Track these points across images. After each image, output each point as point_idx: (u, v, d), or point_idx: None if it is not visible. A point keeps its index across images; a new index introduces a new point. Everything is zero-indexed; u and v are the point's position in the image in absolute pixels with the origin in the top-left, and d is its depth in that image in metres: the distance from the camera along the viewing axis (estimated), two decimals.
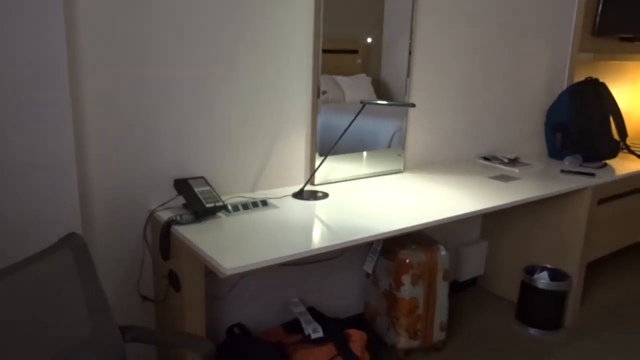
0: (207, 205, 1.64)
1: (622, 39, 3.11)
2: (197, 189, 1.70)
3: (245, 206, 1.76)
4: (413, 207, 1.86)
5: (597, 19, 2.87)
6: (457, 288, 2.83)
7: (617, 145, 2.74)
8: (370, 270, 2.26)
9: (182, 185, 1.71)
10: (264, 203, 1.80)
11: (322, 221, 1.69)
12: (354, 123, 2.13)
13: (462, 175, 2.35)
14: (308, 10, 1.95)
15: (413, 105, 1.89)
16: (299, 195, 1.93)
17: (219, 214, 1.71)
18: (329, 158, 2.11)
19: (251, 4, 1.81)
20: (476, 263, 2.81)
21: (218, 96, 1.81)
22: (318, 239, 1.53)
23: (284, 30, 1.91)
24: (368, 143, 2.26)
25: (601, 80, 3.05)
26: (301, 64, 1.99)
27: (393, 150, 2.33)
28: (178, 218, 1.62)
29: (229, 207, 1.73)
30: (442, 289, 2.20)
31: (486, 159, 2.64)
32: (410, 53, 2.27)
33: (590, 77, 2.78)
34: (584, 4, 2.84)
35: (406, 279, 2.11)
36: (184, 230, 1.56)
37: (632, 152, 2.84)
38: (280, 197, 1.91)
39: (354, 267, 2.36)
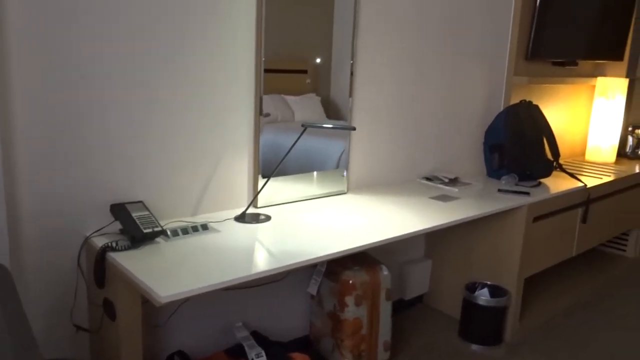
0: (145, 231, 1.60)
1: (554, 63, 3.27)
2: (134, 214, 1.66)
3: (185, 231, 1.73)
4: (356, 228, 1.88)
5: (530, 45, 3.01)
6: (403, 306, 2.87)
7: (551, 165, 2.86)
8: (314, 292, 2.26)
9: (119, 210, 1.67)
10: (205, 227, 1.78)
11: (263, 244, 1.68)
12: (303, 143, 2.14)
13: (404, 195, 2.40)
14: (249, 30, 1.96)
15: (353, 129, 1.92)
16: (241, 218, 1.92)
17: (158, 239, 1.67)
18: (274, 179, 2.11)
19: (191, 23, 1.80)
20: (421, 281, 2.86)
21: (157, 118, 1.79)
22: (259, 263, 1.52)
23: (224, 51, 1.91)
24: (317, 163, 2.28)
25: (535, 102, 3.19)
26: (243, 85, 1.99)
27: (339, 171, 2.35)
28: (113, 244, 1.58)
29: (168, 232, 1.70)
30: (385, 309, 2.22)
31: (428, 179, 2.71)
32: (352, 74, 2.31)
33: (524, 100, 2.91)
34: (517, 30, 2.98)
35: (350, 300, 2.12)
36: (120, 257, 1.52)
37: (565, 171, 2.97)
38: (222, 221, 1.89)
39: (298, 289, 2.36)
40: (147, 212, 1.68)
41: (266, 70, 2.02)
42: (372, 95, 2.44)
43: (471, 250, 2.69)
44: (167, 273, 1.43)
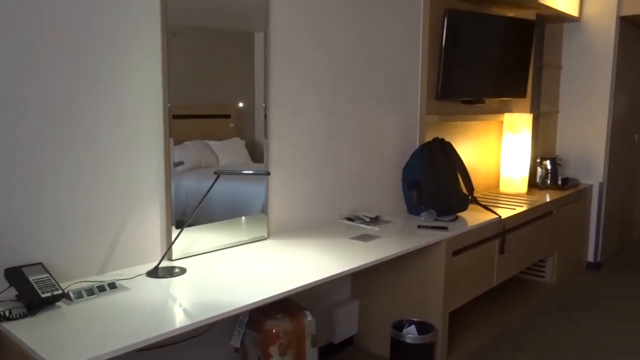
0: (43, 296, 1.49)
1: (463, 102, 3.43)
2: (32, 278, 1.54)
3: (90, 291, 1.62)
4: (277, 275, 1.84)
5: (439, 85, 3.15)
6: (333, 350, 2.81)
7: (467, 199, 2.96)
8: (237, 345, 2.17)
9: (15, 275, 1.54)
10: (112, 286, 1.68)
11: (177, 299, 1.60)
12: (226, 188, 2.11)
13: (325, 237, 2.39)
14: (155, 77, 1.92)
15: (267, 174, 1.90)
16: (154, 273, 1.83)
17: (59, 303, 1.55)
18: (192, 229, 2.04)
19: (96, 70, 1.74)
20: (349, 322, 2.83)
21: (58, 174, 1.69)
22: (171, 319, 1.44)
23: (129, 98, 1.85)
24: (243, 208, 2.25)
25: (448, 139, 3.32)
26: (150, 135, 1.93)
27: (259, 217, 2.32)
28: (7, 313, 1.45)
29: (71, 295, 1.58)
30: (311, 356, 2.16)
31: (349, 219, 2.72)
32: (265, 117, 2.31)
33: (437, 137, 3.02)
34: (426, 72, 3.12)
35: (274, 350, 2.06)
36: (15, 327, 1.40)
37: (480, 204, 3.08)
38: (132, 278, 1.80)
39: (221, 342, 2.26)
40: (46, 275, 1.56)
41: (187, 117, 1.99)
42: (288, 138, 2.44)
43: (397, 287, 2.70)
44: (69, 341, 1.32)
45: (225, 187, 2.18)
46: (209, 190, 1.94)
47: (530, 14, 3.78)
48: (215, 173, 1.90)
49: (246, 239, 2.27)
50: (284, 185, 2.45)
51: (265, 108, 2.30)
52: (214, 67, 2.09)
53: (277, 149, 2.39)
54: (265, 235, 2.35)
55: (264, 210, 2.33)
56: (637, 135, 5.05)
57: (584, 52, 4.28)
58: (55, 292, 1.51)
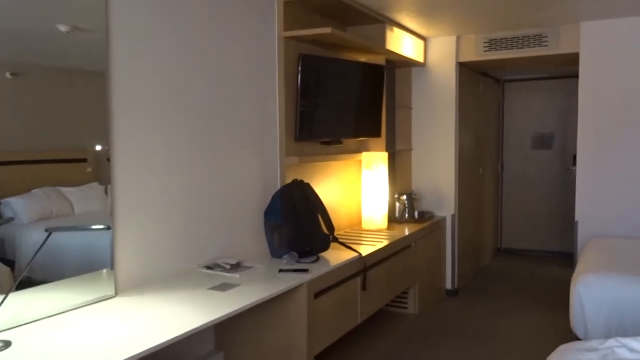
0: None
1: (322, 143, 3.51)
2: None
3: None
4: (122, 338, 1.68)
5: (297, 127, 3.20)
6: None
7: (328, 238, 2.99)
8: None
9: None
10: None
11: None
12: (78, 240, 1.93)
13: (181, 290, 2.26)
14: None
15: (108, 228, 1.76)
16: None
17: None
18: (28, 291, 1.81)
19: None
20: None
21: None
22: None
23: None
24: (95, 263, 2.07)
25: (308, 179, 3.35)
26: None
27: (105, 273, 2.13)
28: None
29: None
30: None
31: (209, 267, 2.61)
32: (108, 160, 2.16)
33: (296, 179, 3.04)
34: (284, 115, 3.15)
35: None
36: None
37: (341, 243, 3.13)
38: None
39: None
40: None
41: (33, 162, 1.82)
42: (138, 185, 2.30)
43: (261, 335, 2.63)
44: None
45: (78, 240, 2.01)
46: (39, 249, 1.74)
47: (380, 59, 4.02)
48: (47, 230, 1.72)
49: (91, 298, 2.07)
50: (134, 236, 2.29)
51: (109, 151, 2.16)
52: (63, 108, 1.95)
53: (126, 196, 2.24)
54: (113, 293, 2.16)
55: (112, 265, 2.15)
56: (482, 169, 5.54)
57: (431, 94, 4.64)
58: None
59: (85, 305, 2.04)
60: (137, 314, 1.94)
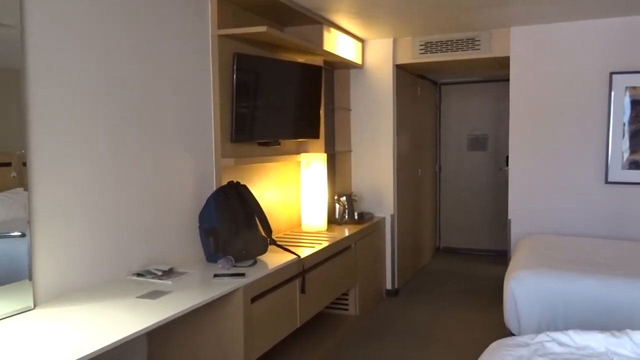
0: None
1: (260, 144, 3.45)
2: None
3: None
4: (41, 353, 1.56)
5: (233, 128, 3.12)
6: None
7: (265, 241, 2.93)
8: None
9: None
10: None
11: None
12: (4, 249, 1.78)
13: (108, 299, 2.14)
14: None
15: (22, 235, 1.63)
16: None
17: None
18: None
19: None
20: None
21: None
22: None
23: None
24: (17, 272, 1.94)
25: (245, 181, 3.28)
26: None
27: (23, 284, 1.99)
28: None
29: None
30: None
31: (139, 274, 2.49)
32: (25, 164, 2.01)
33: (232, 181, 2.96)
34: (219, 115, 3.07)
35: None
36: None
37: (279, 246, 3.08)
38: None
39: None
40: None
41: None
42: (59, 190, 2.16)
43: (196, 342, 2.53)
44: None
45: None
46: None
47: (318, 60, 4.00)
48: None
49: (6, 311, 1.92)
50: (55, 244, 2.14)
51: (26, 154, 2.01)
52: None
53: (44, 201, 2.09)
54: (31, 305, 2.01)
55: (29, 275, 2.01)
56: (420, 170, 5.63)
57: (369, 96, 4.67)
58: None
59: (0, 319, 1.89)
60: (57, 327, 1.81)
